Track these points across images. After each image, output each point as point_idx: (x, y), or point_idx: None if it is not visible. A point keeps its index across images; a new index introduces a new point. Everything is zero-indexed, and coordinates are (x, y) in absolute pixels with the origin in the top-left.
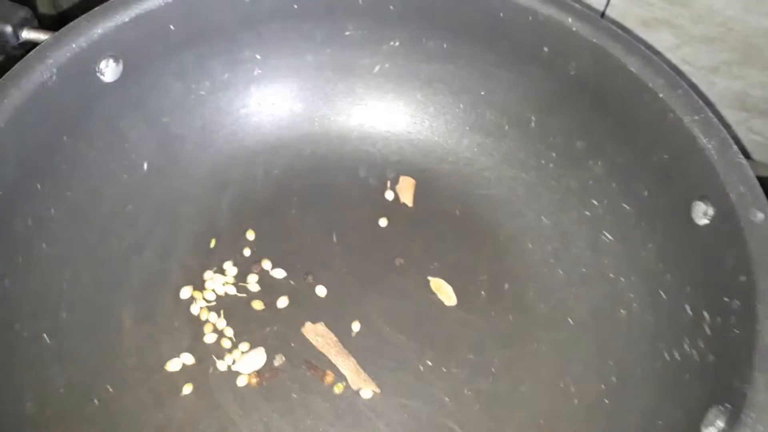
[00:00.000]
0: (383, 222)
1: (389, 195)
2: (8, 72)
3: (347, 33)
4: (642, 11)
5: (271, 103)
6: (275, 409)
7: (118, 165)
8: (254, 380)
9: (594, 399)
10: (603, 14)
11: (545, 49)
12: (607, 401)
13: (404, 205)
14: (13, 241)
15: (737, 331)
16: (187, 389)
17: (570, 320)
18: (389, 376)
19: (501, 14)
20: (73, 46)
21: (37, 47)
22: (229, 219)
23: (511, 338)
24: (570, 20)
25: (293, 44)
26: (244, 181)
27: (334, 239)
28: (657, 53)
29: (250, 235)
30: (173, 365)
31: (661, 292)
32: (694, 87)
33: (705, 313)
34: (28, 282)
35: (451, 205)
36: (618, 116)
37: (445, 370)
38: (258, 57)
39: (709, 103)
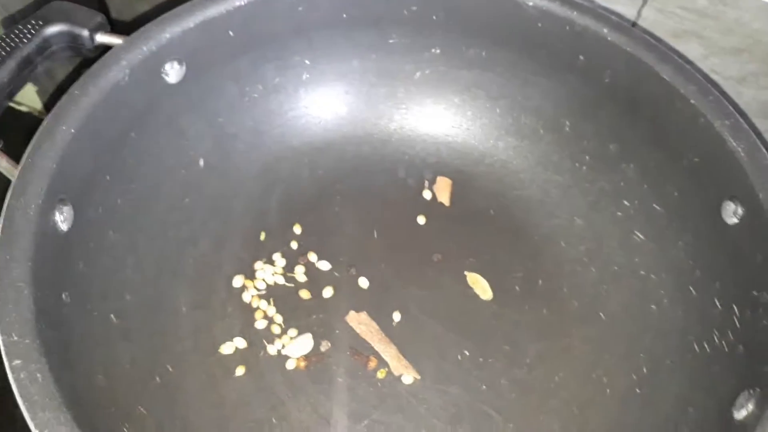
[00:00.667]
0: (421, 220)
1: (427, 194)
2: (87, 71)
3: (391, 40)
4: (671, 23)
5: (318, 106)
6: (322, 391)
7: (177, 160)
8: (302, 364)
9: (626, 389)
10: (634, 25)
11: (581, 57)
12: (638, 391)
13: (441, 204)
14: (87, 227)
15: (766, 323)
16: (240, 371)
17: (602, 315)
18: (429, 364)
19: (539, 24)
20: (144, 49)
21: (112, 50)
22: (278, 214)
23: (545, 332)
24: (605, 30)
25: (341, 50)
26: (291, 179)
27: (375, 235)
28: (688, 62)
29: (297, 230)
30: (227, 348)
31: (691, 288)
32: (724, 95)
33: (734, 307)
34: (98, 265)
35: (487, 205)
36: (650, 121)
37: (481, 359)
38: (307, 62)
39: (740, 112)
